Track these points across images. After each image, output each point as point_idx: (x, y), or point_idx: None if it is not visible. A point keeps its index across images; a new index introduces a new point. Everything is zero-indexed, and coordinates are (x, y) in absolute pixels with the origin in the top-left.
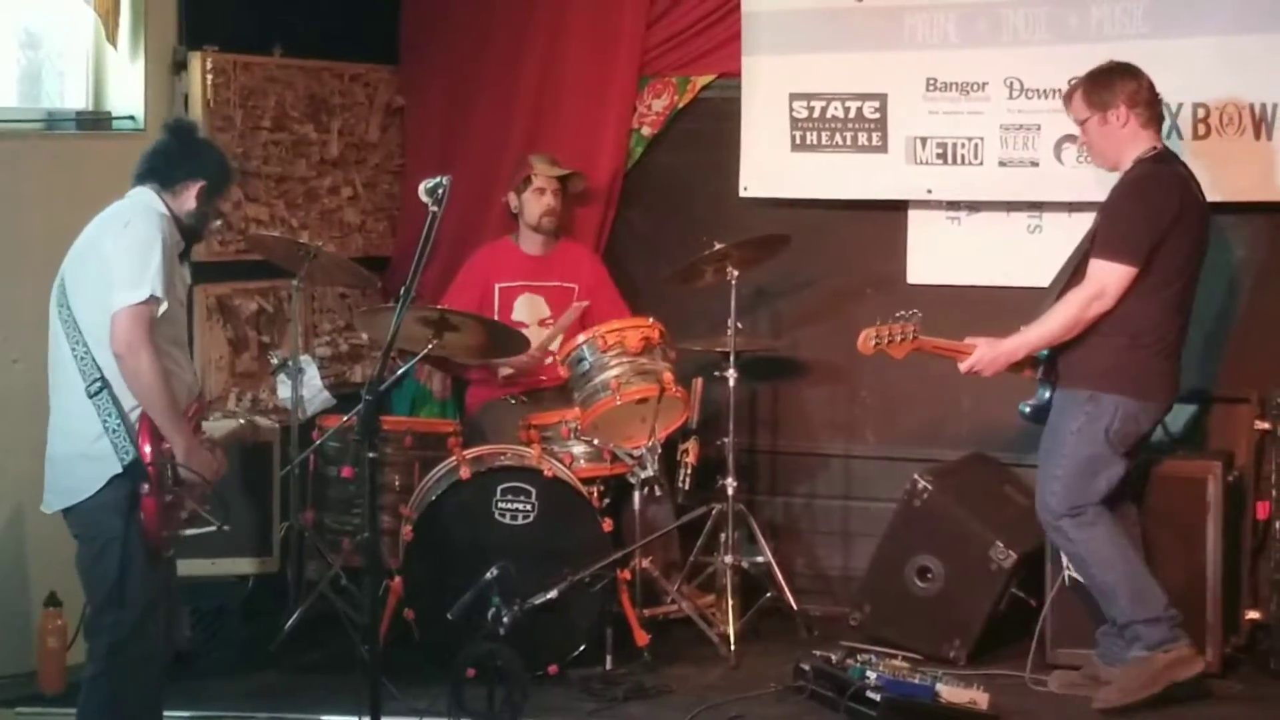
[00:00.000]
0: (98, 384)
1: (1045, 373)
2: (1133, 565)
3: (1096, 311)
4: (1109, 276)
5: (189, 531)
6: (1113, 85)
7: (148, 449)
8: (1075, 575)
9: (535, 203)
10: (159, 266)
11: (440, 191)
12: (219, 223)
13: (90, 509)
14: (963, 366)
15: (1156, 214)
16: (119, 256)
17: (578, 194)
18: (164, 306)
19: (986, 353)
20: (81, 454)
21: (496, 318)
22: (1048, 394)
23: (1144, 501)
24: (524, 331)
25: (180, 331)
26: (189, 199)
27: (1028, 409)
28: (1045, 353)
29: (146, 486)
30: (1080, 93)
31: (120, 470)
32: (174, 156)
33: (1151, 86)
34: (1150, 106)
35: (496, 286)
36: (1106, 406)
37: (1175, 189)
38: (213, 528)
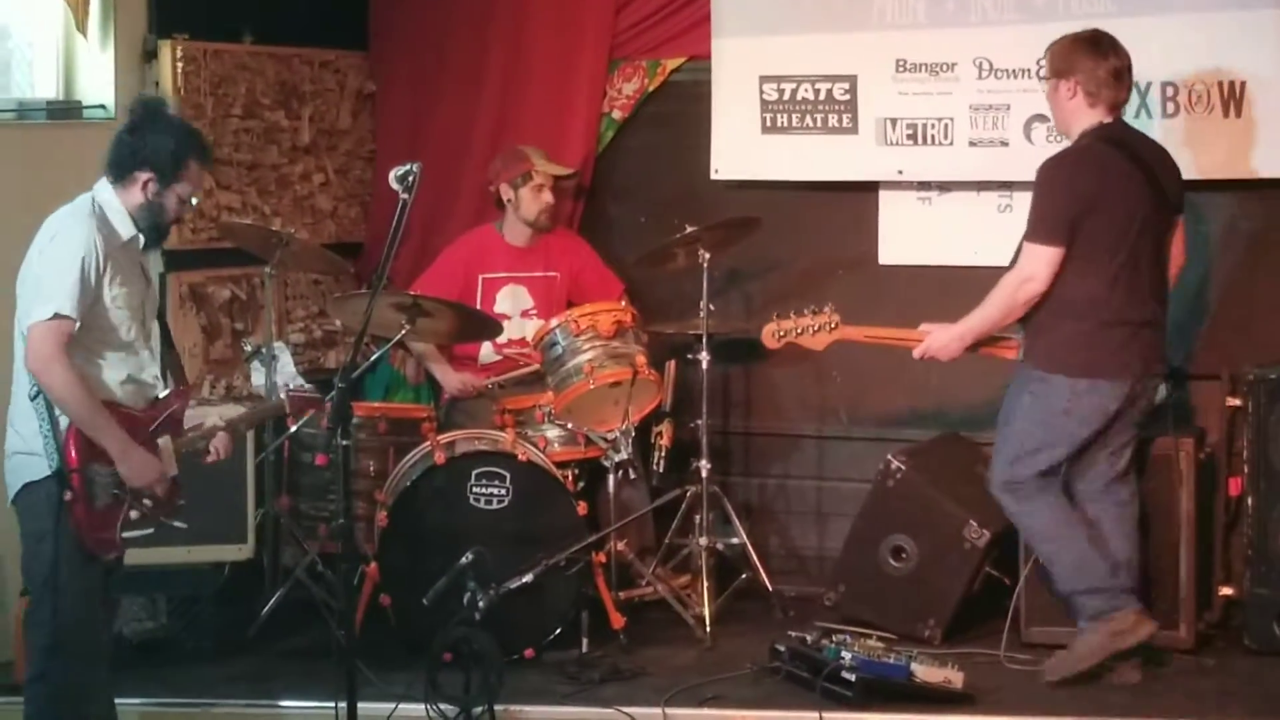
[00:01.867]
0: (35, 388)
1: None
2: (1073, 536)
3: (1029, 294)
4: (1032, 258)
5: (136, 533)
6: (1072, 57)
7: (74, 455)
8: None
9: (534, 200)
10: (73, 284)
11: (410, 179)
12: (193, 205)
13: (25, 504)
14: (916, 353)
15: (1071, 192)
16: (39, 271)
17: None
18: (76, 325)
19: (938, 338)
20: (24, 451)
21: (479, 308)
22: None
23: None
24: (505, 323)
25: (126, 335)
26: (136, 192)
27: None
28: (1019, 330)
29: (69, 494)
30: (1050, 51)
31: (48, 473)
32: (123, 147)
33: (1117, 69)
34: (1104, 88)
35: (480, 277)
36: (1055, 386)
37: (1095, 165)
38: (149, 530)
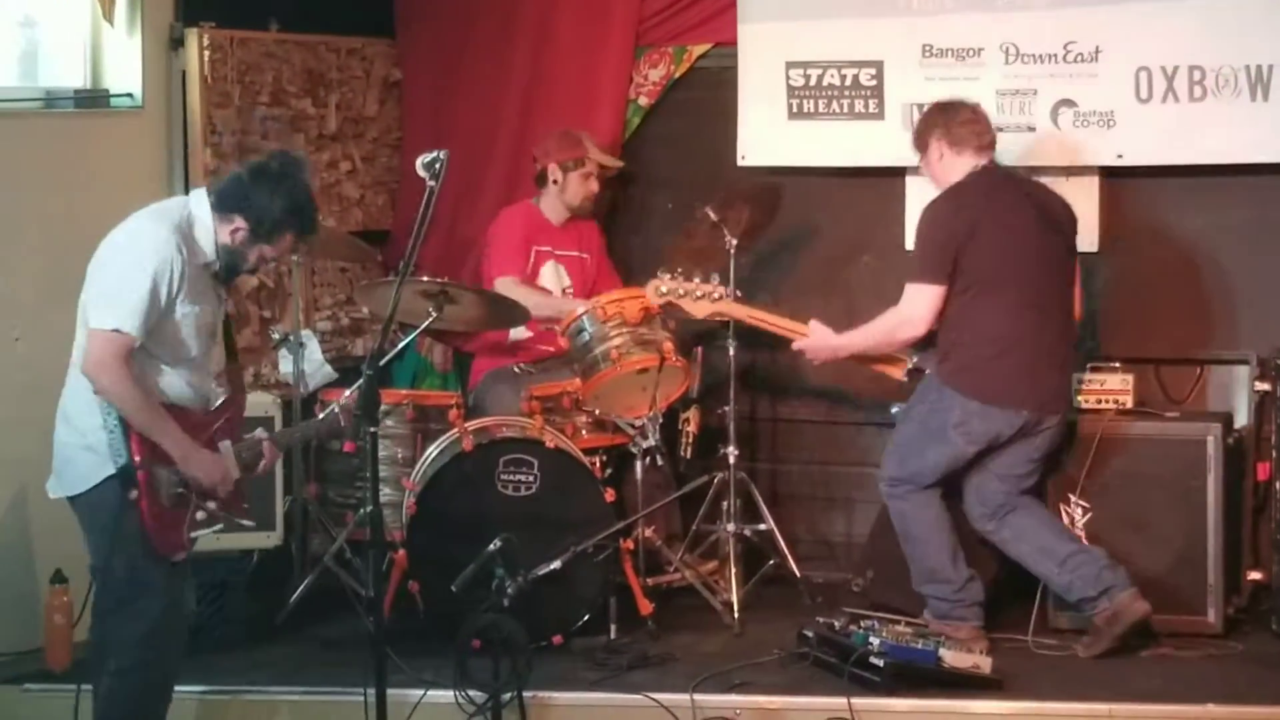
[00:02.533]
0: None
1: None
2: (935, 545)
3: (905, 335)
4: (910, 298)
5: (203, 532)
6: (924, 125)
7: (137, 453)
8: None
9: (581, 186)
10: (140, 300)
11: (438, 166)
12: (271, 267)
13: (90, 503)
14: (794, 345)
15: (948, 226)
16: (106, 273)
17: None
18: (137, 343)
19: (816, 341)
20: (85, 445)
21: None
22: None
23: (1139, 463)
24: None
25: (190, 351)
26: (225, 232)
27: (895, 410)
28: (912, 360)
29: (135, 492)
30: (912, 139)
31: (113, 472)
32: (236, 184)
33: (970, 117)
34: (965, 135)
35: (533, 249)
36: (950, 402)
37: (972, 195)
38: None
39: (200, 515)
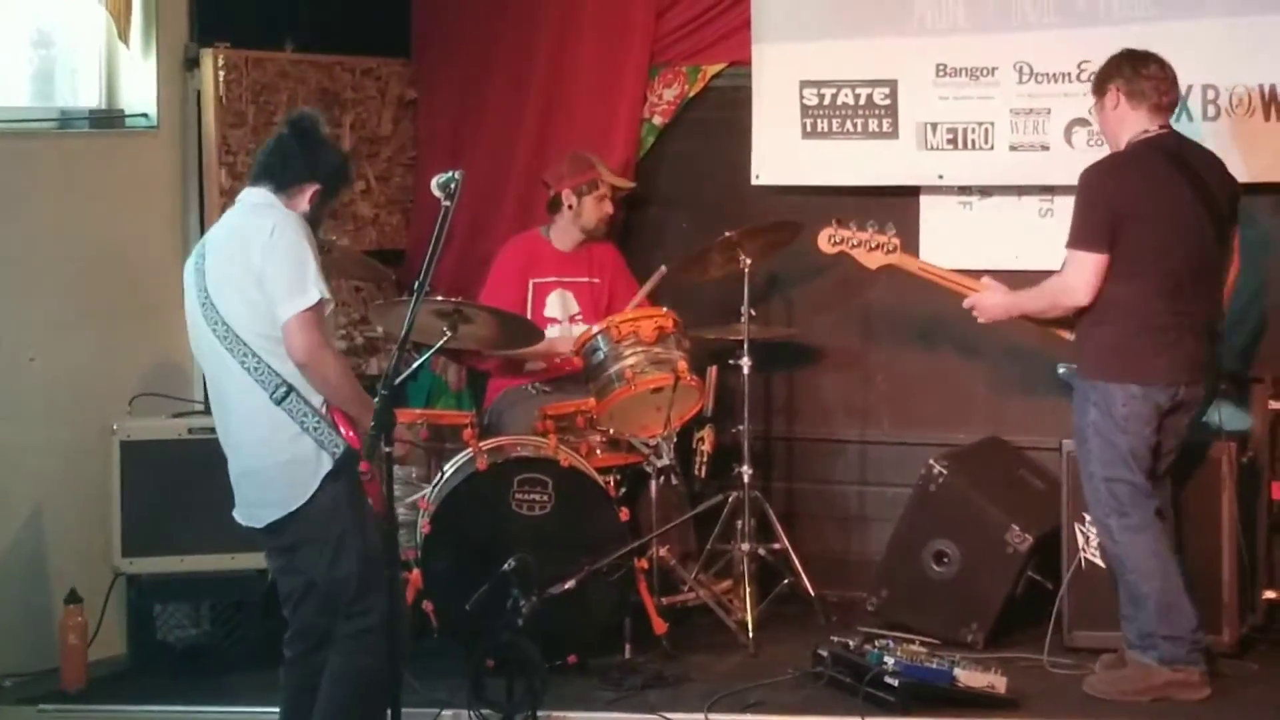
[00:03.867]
0: (282, 389)
1: None
2: (1170, 580)
3: (1069, 303)
4: (1072, 266)
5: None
6: (1110, 69)
7: (352, 435)
8: (1095, 560)
9: (595, 209)
10: (316, 267)
11: (453, 186)
12: (330, 222)
13: (314, 512)
14: (965, 303)
15: (1110, 198)
16: (275, 266)
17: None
18: (331, 305)
19: (989, 297)
20: (286, 461)
21: (530, 313)
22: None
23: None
24: (555, 327)
25: (331, 320)
26: (303, 201)
27: (1061, 370)
28: None
29: (367, 473)
30: (1094, 77)
31: (332, 466)
32: (292, 157)
33: (1158, 74)
34: (1146, 91)
35: (531, 282)
36: (1109, 393)
37: (1136, 171)
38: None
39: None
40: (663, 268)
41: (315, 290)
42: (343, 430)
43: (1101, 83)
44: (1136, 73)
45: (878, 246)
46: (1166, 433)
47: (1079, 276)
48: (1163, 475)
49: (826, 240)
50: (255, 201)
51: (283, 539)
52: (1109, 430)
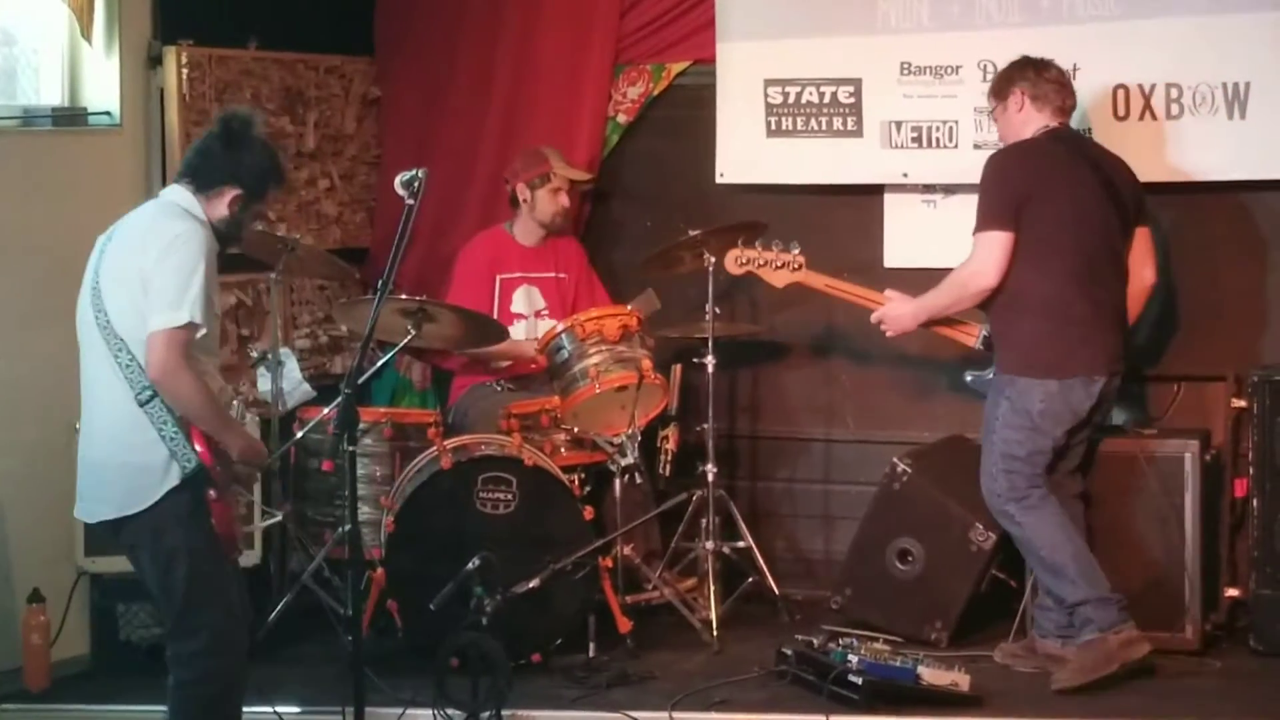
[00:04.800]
0: (148, 392)
1: (988, 347)
2: (1078, 546)
3: (979, 286)
4: (980, 247)
5: (253, 527)
6: (1011, 74)
7: (208, 453)
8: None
9: (550, 201)
10: (199, 291)
11: (416, 184)
12: (259, 226)
13: (150, 520)
14: (873, 317)
15: (1012, 180)
16: (162, 276)
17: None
18: (202, 331)
19: (895, 308)
20: (135, 463)
21: (496, 309)
22: (989, 374)
23: (1117, 480)
24: (521, 323)
25: (211, 341)
26: (222, 205)
27: (969, 378)
28: (985, 330)
29: (214, 492)
30: (991, 85)
31: (179, 481)
32: (214, 158)
33: (1059, 77)
34: (1049, 93)
35: (498, 278)
36: (1025, 388)
37: (1036, 155)
38: (276, 518)
39: (240, 511)
40: (654, 299)
41: (186, 312)
42: (198, 447)
43: (1004, 86)
44: (1040, 76)
45: (783, 265)
46: (1086, 424)
47: (987, 257)
48: (1079, 464)
49: (733, 262)
50: (172, 200)
51: (120, 539)
52: (1018, 425)
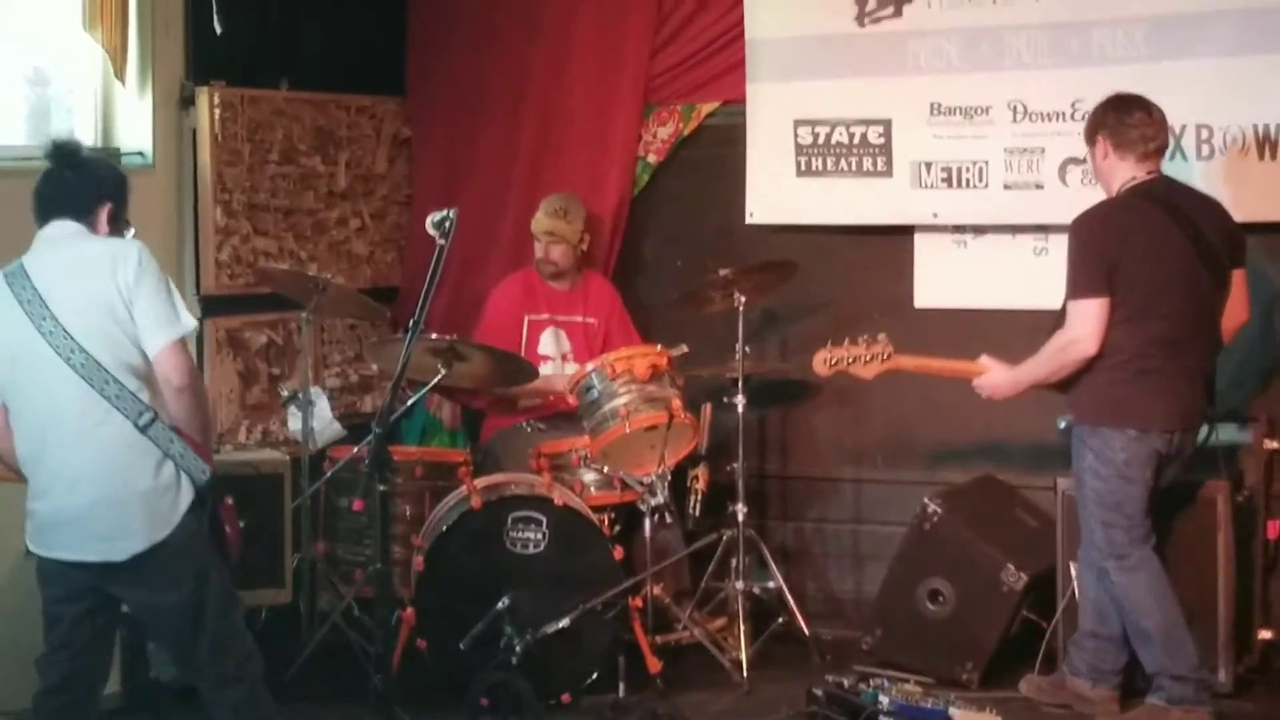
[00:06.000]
0: (147, 415)
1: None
2: (1169, 617)
3: (1078, 354)
4: (1076, 315)
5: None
6: (1097, 119)
7: (208, 462)
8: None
9: (539, 249)
10: (180, 300)
11: (447, 224)
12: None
13: (177, 543)
14: (975, 384)
15: (1098, 245)
16: (147, 294)
17: (590, 229)
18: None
19: (994, 378)
20: (148, 490)
21: (524, 351)
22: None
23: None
24: (548, 365)
25: None
26: (103, 224)
27: (1062, 424)
28: (1064, 421)
29: (229, 499)
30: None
31: (194, 495)
32: (77, 185)
33: (1143, 121)
34: (1132, 140)
35: (526, 318)
36: (1108, 438)
37: (1123, 218)
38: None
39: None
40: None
41: (189, 319)
42: (204, 456)
43: (1090, 133)
44: (1121, 122)
45: (873, 358)
46: (1163, 475)
47: (1085, 325)
48: (1154, 514)
49: (822, 363)
50: (67, 234)
51: (141, 573)
52: (1106, 475)
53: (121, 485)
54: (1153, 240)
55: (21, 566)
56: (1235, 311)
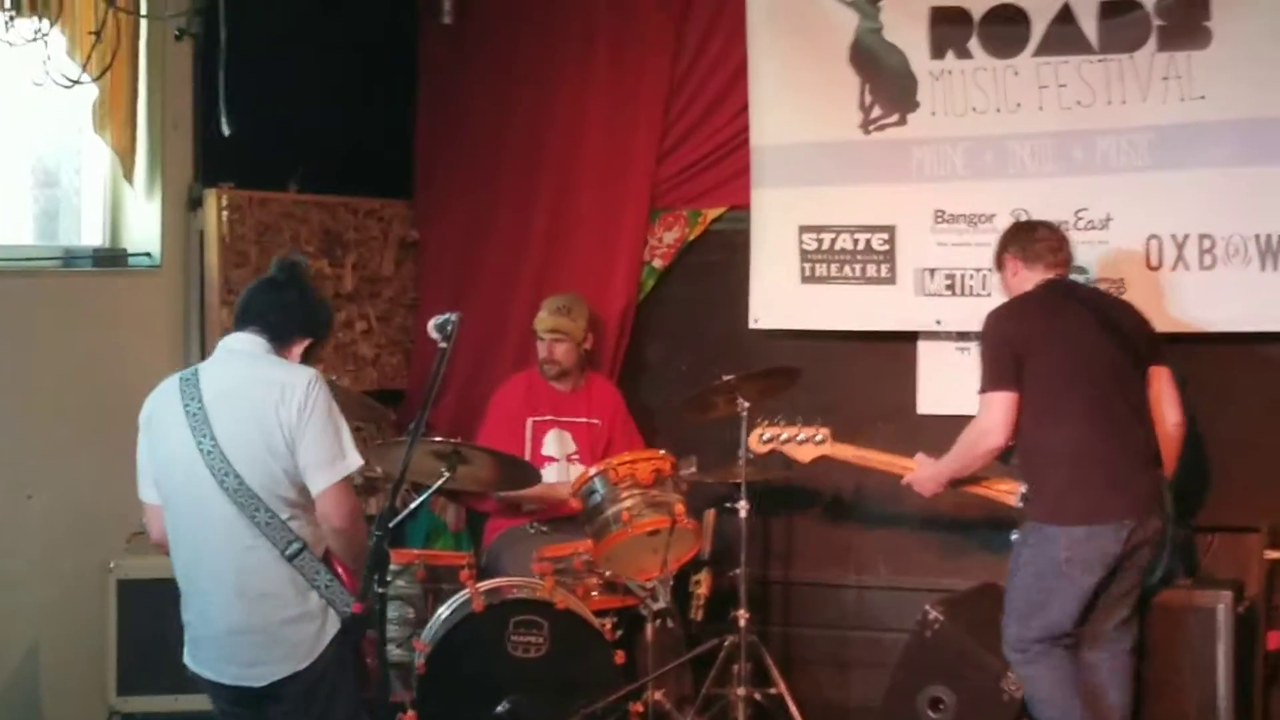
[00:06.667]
0: (295, 545)
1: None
2: (1072, 709)
3: (987, 446)
4: (984, 409)
5: None
6: (1003, 243)
7: (356, 597)
8: None
9: (541, 347)
10: (349, 431)
11: (449, 328)
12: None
13: (318, 672)
14: (903, 481)
15: (1008, 335)
16: (314, 433)
17: (593, 328)
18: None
19: (921, 472)
20: (293, 618)
21: (528, 452)
22: None
23: (1149, 631)
24: (552, 466)
25: None
26: (294, 356)
27: (1014, 536)
28: (1023, 488)
29: (372, 632)
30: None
31: (340, 626)
32: (293, 311)
33: (1048, 239)
34: (1040, 254)
35: (529, 420)
36: (1051, 536)
37: (1031, 307)
38: None
39: None
40: (693, 463)
41: (355, 455)
42: (351, 590)
43: (999, 255)
44: (1028, 239)
45: (807, 439)
46: (1126, 572)
47: (990, 417)
48: (1130, 615)
49: (758, 440)
50: (249, 350)
51: (279, 697)
52: (1041, 573)
53: (264, 615)
54: (1062, 324)
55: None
56: (1167, 413)
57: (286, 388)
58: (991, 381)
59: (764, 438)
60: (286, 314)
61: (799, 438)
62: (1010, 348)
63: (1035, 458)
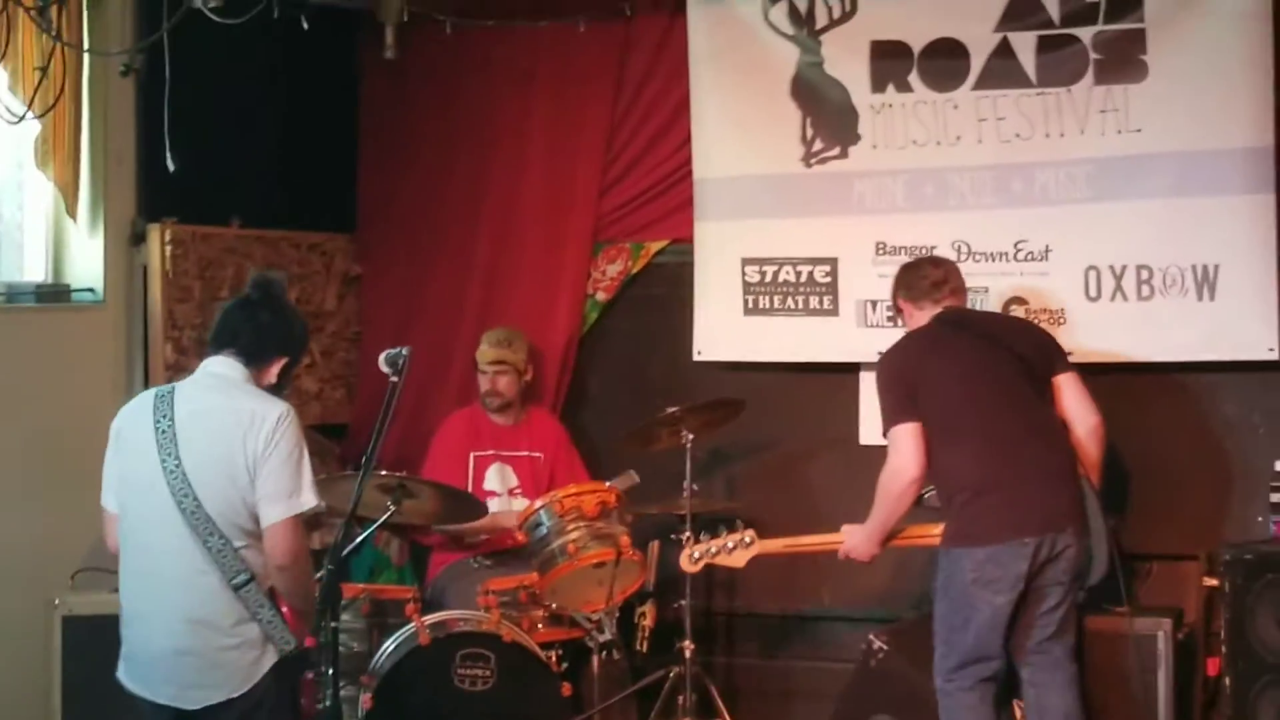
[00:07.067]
0: (243, 575)
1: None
2: None
3: (901, 484)
4: (891, 447)
5: None
6: (894, 288)
7: (299, 634)
8: None
9: (483, 380)
10: (310, 472)
11: (400, 362)
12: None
13: (252, 701)
14: (840, 554)
15: (898, 371)
16: (275, 465)
17: (533, 360)
18: (322, 508)
19: (853, 539)
20: (233, 645)
21: (470, 487)
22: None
23: (1089, 658)
24: (495, 500)
25: None
26: (271, 376)
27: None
28: (927, 493)
29: (311, 674)
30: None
31: (278, 659)
32: (267, 331)
33: (934, 276)
34: (927, 291)
35: (471, 455)
36: (957, 559)
37: (917, 342)
38: None
39: None
40: (634, 477)
41: (308, 496)
42: (297, 630)
43: (893, 301)
44: (914, 278)
45: (736, 545)
46: (1042, 588)
47: (899, 452)
48: (1057, 631)
49: (688, 560)
50: (226, 374)
51: None
52: (954, 597)
53: (205, 638)
54: (948, 352)
55: None
56: (1082, 417)
57: (257, 417)
58: (891, 418)
59: (694, 557)
60: (261, 335)
61: (728, 546)
62: (903, 382)
63: (940, 486)
